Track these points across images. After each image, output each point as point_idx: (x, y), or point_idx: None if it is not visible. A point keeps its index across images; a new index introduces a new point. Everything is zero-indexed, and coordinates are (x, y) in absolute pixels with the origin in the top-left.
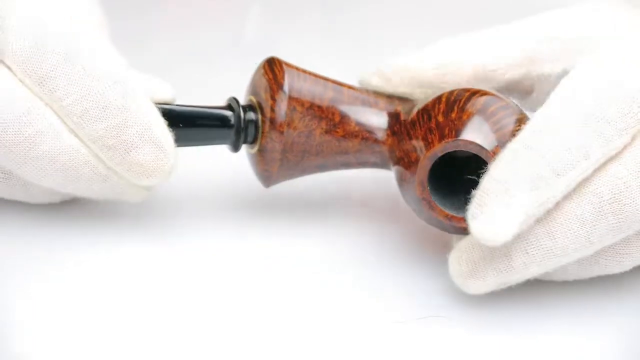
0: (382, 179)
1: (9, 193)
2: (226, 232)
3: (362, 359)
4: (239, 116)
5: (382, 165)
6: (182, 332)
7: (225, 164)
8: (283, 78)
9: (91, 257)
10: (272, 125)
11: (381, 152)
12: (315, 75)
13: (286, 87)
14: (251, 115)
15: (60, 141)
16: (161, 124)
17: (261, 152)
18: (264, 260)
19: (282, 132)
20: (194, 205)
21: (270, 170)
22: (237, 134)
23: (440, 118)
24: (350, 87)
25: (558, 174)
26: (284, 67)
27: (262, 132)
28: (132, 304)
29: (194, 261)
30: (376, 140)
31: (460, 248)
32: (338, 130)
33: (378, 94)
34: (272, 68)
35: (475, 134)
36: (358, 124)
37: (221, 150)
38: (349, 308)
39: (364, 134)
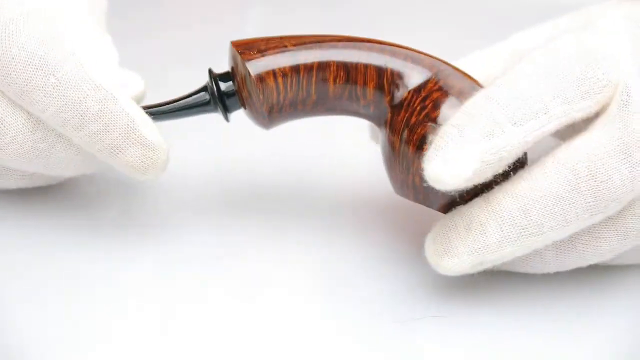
0: (381, 179)
1: (31, 184)
2: (224, 232)
3: (362, 359)
4: (213, 94)
5: (372, 120)
6: (178, 331)
7: (223, 162)
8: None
9: (89, 256)
10: (250, 96)
11: (371, 108)
12: (281, 43)
13: (253, 70)
14: (228, 85)
15: (74, 145)
16: (146, 122)
17: (249, 112)
18: (262, 260)
19: (262, 102)
20: (193, 205)
21: (264, 121)
22: (219, 107)
23: (417, 181)
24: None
25: (514, 123)
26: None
27: (243, 101)
28: (130, 303)
29: (193, 261)
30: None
31: (436, 228)
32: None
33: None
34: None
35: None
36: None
37: (220, 150)
38: (347, 308)
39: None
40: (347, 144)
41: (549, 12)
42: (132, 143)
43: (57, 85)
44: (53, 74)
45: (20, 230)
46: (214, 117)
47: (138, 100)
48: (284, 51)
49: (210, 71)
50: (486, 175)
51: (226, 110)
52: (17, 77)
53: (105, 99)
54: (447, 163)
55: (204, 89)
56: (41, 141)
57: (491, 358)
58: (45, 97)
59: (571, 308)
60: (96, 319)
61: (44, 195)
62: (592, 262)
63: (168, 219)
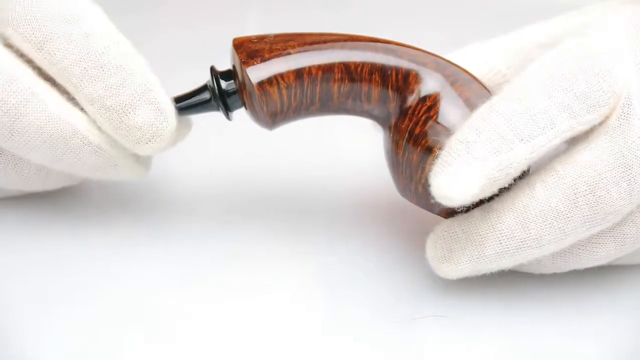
0: (382, 179)
1: (2, 174)
2: (224, 232)
3: (362, 358)
4: (214, 92)
5: (377, 120)
6: (179, 332)
7: (224, 162)
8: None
9: (88, 258)
10: (251, 101)
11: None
12: (286, 47)
13: (254, 79)
14: (229, 84)
15: (46, 111)
16: (160, 87)
17: (252, 114)
18: (262, 260)
19: (265, 110)
20: (193, 205)
21: (266, 125)
22: (220, 106)
23: (420, 189)
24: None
25: (522, 139)
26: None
27: (245, 102)
28: (130, 304)
29: (193, 261)
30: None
31: (437, 232)
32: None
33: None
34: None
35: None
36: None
37: (221, 150)
38: (348, 308)
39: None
40: (349, 143)
41: (549, 12)
42: (145, 103)
43: (82, 36)
44: (80, 26)
45: (21, 232)
46: (216, 118)
47: None
48: (287, 58)
49: (212, 69)
50: (492, 190)
51: (227, 109)
52: (43, 27)
53: (126, 55)
54: (454, 180)
55: (205, 87)
56: (12, 95)
57: (491, 358)
58: (68, 46)
59: (572, 308)
60: (96, 319)
61: (45, 197)
62: (589, 266)
63: (168, 220)
